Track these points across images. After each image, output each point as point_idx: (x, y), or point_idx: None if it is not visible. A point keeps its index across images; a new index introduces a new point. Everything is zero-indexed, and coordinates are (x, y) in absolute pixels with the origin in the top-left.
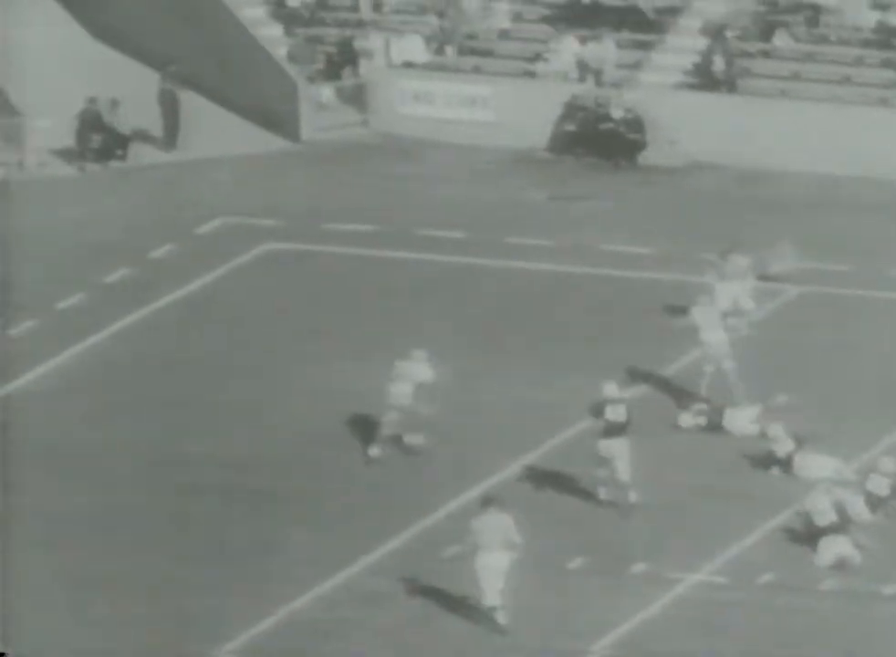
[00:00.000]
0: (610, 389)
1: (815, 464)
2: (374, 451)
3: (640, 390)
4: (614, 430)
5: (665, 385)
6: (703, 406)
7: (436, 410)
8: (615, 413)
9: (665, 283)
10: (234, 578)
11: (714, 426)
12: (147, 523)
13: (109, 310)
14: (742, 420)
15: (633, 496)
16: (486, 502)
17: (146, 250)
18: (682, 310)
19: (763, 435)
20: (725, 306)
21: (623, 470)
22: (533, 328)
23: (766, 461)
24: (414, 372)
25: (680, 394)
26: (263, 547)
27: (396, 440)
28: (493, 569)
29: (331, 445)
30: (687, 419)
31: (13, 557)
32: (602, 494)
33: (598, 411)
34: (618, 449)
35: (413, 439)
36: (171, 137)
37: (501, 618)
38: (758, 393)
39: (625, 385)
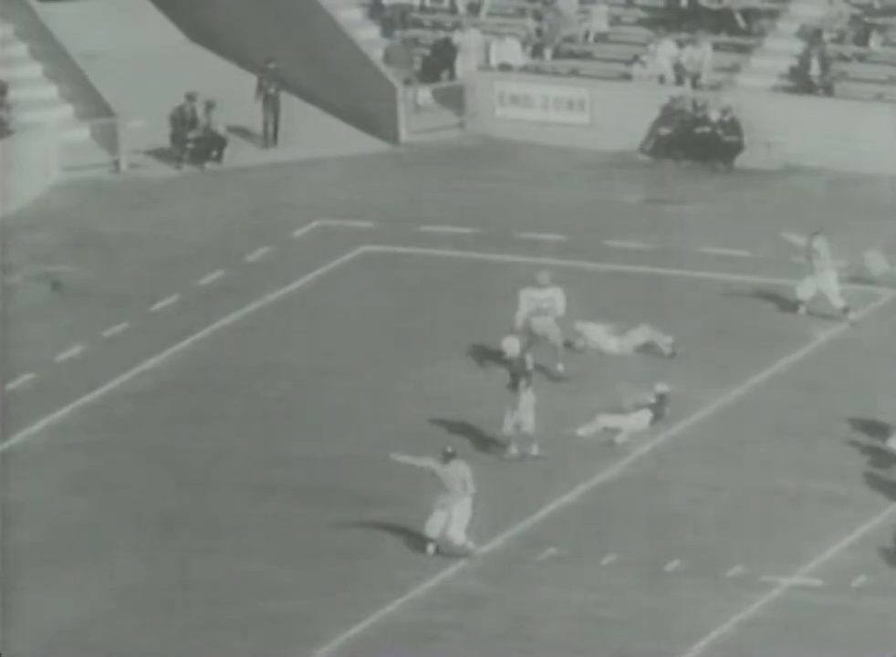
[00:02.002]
0: (511, 345)
1: None
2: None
3: (737, 393)
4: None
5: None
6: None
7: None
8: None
9: (760, 286)
10: (328, 580)
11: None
12: (241, 525)
13: (204, 313)
14: None
15: (536, 449)
16: (448, 456)
17: (242, 253)
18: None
19: None
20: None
21: (530, 423)
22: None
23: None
24: (551, 300)
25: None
26: (358, 549)
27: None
28: (455, 512)
29: (427, 448)
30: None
31: (110, 560)
32: (514, 449)
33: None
34: (528, 400)
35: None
36: (272, 134)
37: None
38: (861, 397)
39: (716, 387)
